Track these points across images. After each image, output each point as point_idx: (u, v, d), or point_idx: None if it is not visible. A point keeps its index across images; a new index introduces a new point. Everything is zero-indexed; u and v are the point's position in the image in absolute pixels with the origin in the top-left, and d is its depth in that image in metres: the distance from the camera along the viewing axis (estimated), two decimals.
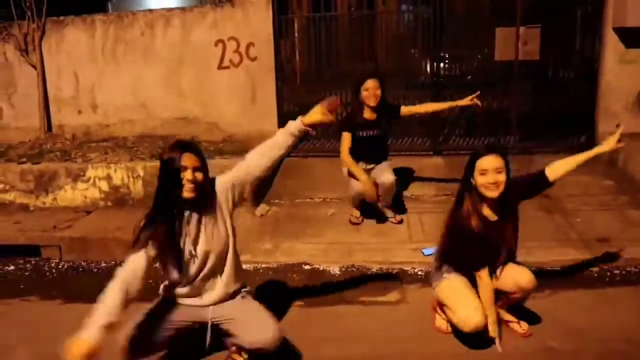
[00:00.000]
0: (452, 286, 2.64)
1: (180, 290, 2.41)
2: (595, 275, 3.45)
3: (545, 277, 3.39)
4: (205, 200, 2.30)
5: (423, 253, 3.72)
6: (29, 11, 5.91)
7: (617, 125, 5.30)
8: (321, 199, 4.75)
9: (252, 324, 2.36)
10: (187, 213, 2.30)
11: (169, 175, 2.20)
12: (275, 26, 5.58)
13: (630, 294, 3.21)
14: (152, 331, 2.34)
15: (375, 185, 4.01)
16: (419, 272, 3.56)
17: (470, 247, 2.54)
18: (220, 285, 2.42)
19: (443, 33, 5.62)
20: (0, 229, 4.37)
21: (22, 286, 3.70)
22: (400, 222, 4.22)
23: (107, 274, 3.74)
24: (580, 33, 5.64)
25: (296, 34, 5.56)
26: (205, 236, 2.33)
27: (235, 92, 5.64)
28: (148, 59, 5.74)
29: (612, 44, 5.21)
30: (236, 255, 2.47)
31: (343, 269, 3.65)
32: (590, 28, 5.45)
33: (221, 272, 2.42)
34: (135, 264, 2.23)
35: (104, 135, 5.95)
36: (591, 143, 5.46)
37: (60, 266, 4.00)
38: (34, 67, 6.03)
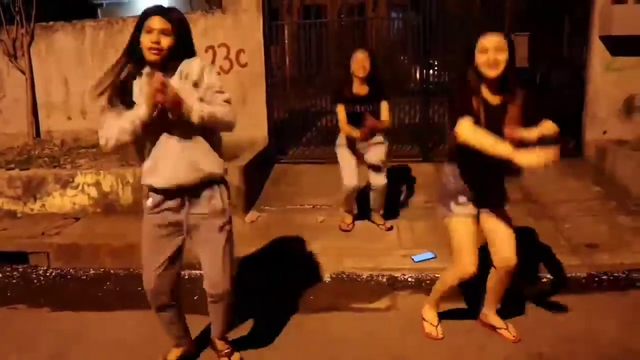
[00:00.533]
0: (458, 230, 2.59)
1: (146, 166, 2.30)
2: (584, 280, 3.48)
3: (534, 281, 3.43)
4: (174, 65, 2.23)
5: (413, 260, 3.73)
6: (18, 16, 5.89)
7: (604, 132, 5.40)
8: (311, 206, 4.75)
9: (209, 267, 2.40)
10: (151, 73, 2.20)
11: (136, 32, 2.19)
12: (266, 33, 5.59)
13: (619, 299, 3.23)
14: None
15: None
16: (409, 279, 3.57)
17: (458, 102, 2.42)
18: (182, 160, 2.25)
19: (432, 40, 5.67)
20: None
21: (9, 294, 3.65)
22: (390, 229, 4.23)
23: (96, 282, 3.76)
24: (567, 41, 5.73)
25: (286, 41, 5.59)
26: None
27: None
28: None
29: (598, 52, 5.28)
30: (209, 137, 2.31)
31: (333, 276, 3.65)
32: (577, 36, 5.52)
33: (187, 145, 2.25)
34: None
35: (94, 141, 5.89)
36: (579, 149, 5.53)
37: (48, 273, 3.96)
38: (23, 72, 6.00)
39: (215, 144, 2.36)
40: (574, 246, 3.81)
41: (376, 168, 4.14)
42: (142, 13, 2.21)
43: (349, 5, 5.29)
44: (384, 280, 3.57)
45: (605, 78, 5.31)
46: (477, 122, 2.35)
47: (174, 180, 2.26)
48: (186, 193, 2.32)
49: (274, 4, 5.87)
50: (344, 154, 4.16)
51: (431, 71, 5.89)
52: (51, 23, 5.98)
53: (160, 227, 2.37)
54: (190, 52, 2.30)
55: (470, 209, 2.59)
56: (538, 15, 5.71)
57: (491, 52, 2.33)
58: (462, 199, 2.58)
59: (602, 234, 4.01)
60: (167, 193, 2.32)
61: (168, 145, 2.25)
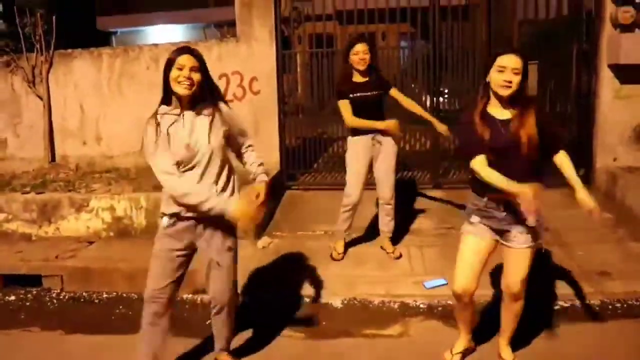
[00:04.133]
0: (462, 246, 2.66)
1: (182, 191, 2.44)
2: (597, 308, 3.46)
3: (547, 309, 3.42)
4: (204, 101, 2.47)
5: (424, 286, 3.73)
6: (38, 44, 6.05)
7: (614, 160, 5.41)
8: (323, 232, 4.77)
9: (216, 280, 2.64)
10: (186, 110, 2.46)
11: (168, 71, 2.40)
12: (279, 61, 5.70)
13: (632, 327, 3.21)
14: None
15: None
16: (421, 305, 3.56)
17: (468, 135, 2.51)
18: (216, 194, 2.50)
19: (442, 68, 5.76)
20: (2, 258, 4.37)
21: (23, 316, 3.69)
22: (399, 257, 4.22)
23: (109, 305, 3.79)
24: (576, 69, 5.77)
25: (298, 69, 5.69)
26: (198, 132, 2.44)
27: None
28: (153, 91, 5.78)
29: (607, 80, 5.33)
30: (230, 172, 2.60)
31: (345, 302, 3.66)
32: (586, 64, 5.58)
33: (217, 179, 2.51)
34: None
35: (108, 166, 6.01)
36: (589, 177, 5.54)
37: (61, 296, 3.99)
38: (41, 98, 6.14)
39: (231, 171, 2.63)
40: (586, 273, 3.80)
41: (387, 178, 4.09)
42: (169, 56, 2.41)
43: (360, 34, 5.39)
44: (396, 306, 3.57)
45: (614, 106, 5.35)
46: (483, 142, 2.45)
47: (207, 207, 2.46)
48: (203, 221, 2.54)
49: (286, 32, 6.00)
50: (353, 160, 4.07)
51: (441, 99, 5.96)
52: (69, 50, 6.14)
53: (173, 250, 2.56)
54: (212, 87, 2.52)
55: (483, 232, 2.60)
56: (546, 44, 5.79)
57: (507, 72, 2.40)
58: (475, 218, 2.61)
59: (614, 261, 3.99)
60: (186, 217, 2.52)
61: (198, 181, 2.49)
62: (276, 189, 5.54)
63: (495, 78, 2.43)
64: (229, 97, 5.74)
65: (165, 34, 17.68)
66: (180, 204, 2.47)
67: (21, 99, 6.23)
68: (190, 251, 2.62)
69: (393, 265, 4.12)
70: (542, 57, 5.74)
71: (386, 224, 4.22)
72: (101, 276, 4.09)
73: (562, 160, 2.61)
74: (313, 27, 5.94)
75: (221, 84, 5.70)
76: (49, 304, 3.90)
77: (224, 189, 2.54)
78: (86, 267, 4.17)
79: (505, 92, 2.42)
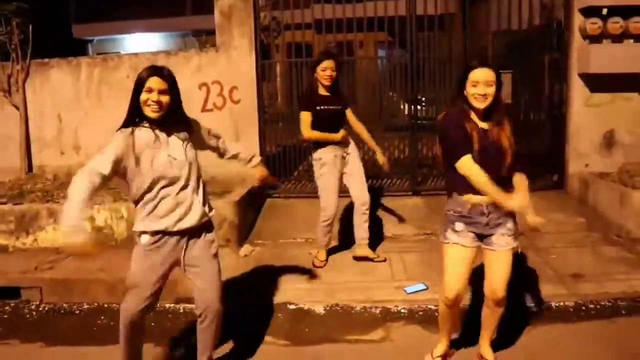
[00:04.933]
0: (449, 255, 2.70)
1: (159, 208, 2.48)
2: (571, 309, 3.57)
3: (523, 311, 3.51)
4: (173, 122, 2.51)
5: (405, 291, 3.80)
6: (14, 53, 5.99)
7: (586, 166, 5.58)
8: (304, 239, 4.81)
9: (205, 290, 2.65)
10: (156, 131, 2.48)
11: (137, 94, 2.42)
12: (258, 70, 5.75)
13: (605, 328, 3.32)
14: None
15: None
16: (402, 310, 3.63)
17: (455, 136, 2.57)
18: (197, 206, 2.56)
19: (420, 77, 5.87)
20: None
21: (1, 329, 3.63)
22: (384, 260, 4.29)
23: (89, 316, 3.76)
24: (548, 78, 5.96)
25: (278, 78, 5.74)
26: (174, 149, 2.50)
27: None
28: None
29: (578, 89, 5.50)
30: (204, 187, 2.65)
31: (327, 308, 3.70)
32: (557, 73, 5.76)
33: (197, 190, 2.57)
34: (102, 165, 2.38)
35: None
36: (562, 182, 5.70)
37: (41, 308, 3.95)
38: (17, 107, 6.07)
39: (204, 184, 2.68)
40: (560, 276, 3.92)
41: (360, 181, 4.19)
42: (139, 76, 2.44)
43: (337, 42, 5.47)
44: (378, 312, 3.63)
45: (585, 113, 5.52)
46: (472, 144, 2.53)
47: (186, 224, 2.54)
48: (188, 233, 2.58)
49: (265, 41, 6.05)
50: (324, 175, 4.14)
51: (419, 107, 6.07)
52: (47, 60, 6.09)
53: (155, 266, 2.56)
54: (179, 106, 2.55)
55: (468, 239, 2.66)
56: (520, 53, 5.95)
57: (481, 85, 2.50)
58: (459, 226, 2.65)
59: (587, 264, 4.13)
60: (167, 233, 2.54)
61: (178, 194, 2.52)
62: (257, 197, 5.57)
63: (470, 92, 2.54)
64: (209, 106, 5.77)
65: (143, 42, 17.56)
66: (168, 215, 2.49)
67: None
68: (172, 265, 2.62)
69: (374, 271, 4.18)
70: (516, 67, 5.91)
71: (364, 232, 4.28)
72: (81, 287, 4.05)
73: (521, 180, 2.67)
74: (292, 36, 6.00)
75: (201, 94, 5.74)
76: (28, 316, 3.85)
77: (204, 201, 2.61)
78: (66, 279, 4.13)
79: (481, 105, 2.53)
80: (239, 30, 5.68)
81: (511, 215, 2.63)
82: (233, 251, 4.53)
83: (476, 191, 2.58)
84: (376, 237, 4.44)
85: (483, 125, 2.59)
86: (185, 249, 2.59)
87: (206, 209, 2.63)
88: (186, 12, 16.79)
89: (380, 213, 5.15)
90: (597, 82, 5.41)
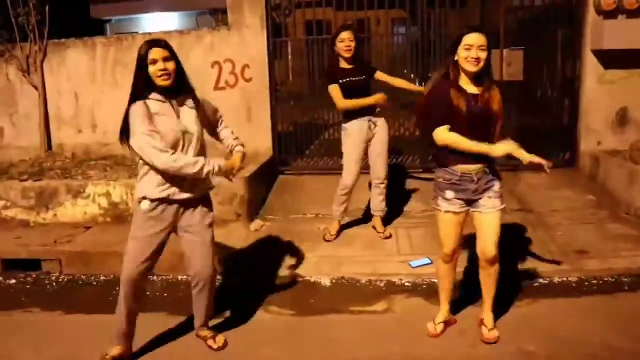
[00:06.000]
0: (441, 220, 2.86)
1: (164, 176, 2.60)
2: (574, 284, 3.61)
3: (525, 285, 3.57)
4: (182, 89, 2.63)
5: (410, 265, 3.88)
6: (32, 34, 6.12)
7: (599, 143, 5.55)
8: (314, 215, 4.91)
9: (197, 256, 2.78)
10: (168, 101, 2.60)
11: (142, 67, 2.53)
12: (270, 48, 5.79)
13: (607, 302, 3.37)
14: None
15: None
16: (406, 283, 3.72)
17: (435, 113, 2.70)
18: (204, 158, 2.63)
19: (432, 54, 5.86)
20: (2, 243, 4.50)
21: (23, 298, 3.82)
22: (389, 237, 4.37)
23: (106, 286, 3.93)
24: (561, 54, 5.89)
25: (290, 56, 5.78)
26: (184, 119, 2.62)
27: (231, 112, 5.79)
28: None
29: (591, 65, 5.43)
30: (205, 154, 2.72)
31: (333, 281, 3.81)
32: (570, 50, 5.69)
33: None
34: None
35: (103, 153, 6.11)
36: (574, 160, 5.68)
37: (60, 279, 4.13)
38: (35, 87, 6.22)
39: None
40: (564, 252, 3.95)
41: (380, 157, 4.26)
42: (139, 53, 2.54)
43: (346, 23, 5.48)
44: (382, 284, 3.72)
45: (598, 90, 5.46)
46: (459, 112, 2.62)
47: (187, 194, 2.66)
48: (188, 202, 2.71)
49: (277, 19, 6.07)
50: (349, 147, 4.22)
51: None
52: (63, 40, 6.21)
53: (153, 233, 2.68)
54: (183, 74, 2.65)
55: (457, 205, 2.79)
56: (532, 31, 5.89)
57: (474, 49, 2.59)
58: (449, 194, 2.78)
59: (592, 240, 4.15)
60: (174, 200, 2.65)
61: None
62: (269, 173, 5.67)
63: (463, 55, 2.62)
64: (221, 84, 5.84)
65: (160, 21, 17.64)
66: (172, 184, 2.61)
67: (16, 88, 6.33)
68: (170, 231, 2.75)
69: (381, 245, 4.27)
70: (528, 43, 5.85)
71: (379, 204, 4.39)
72: (98, 259, 4.22)
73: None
74: (311, 13, 5.97)
75: (213, 72, 5.81)
76: (48, 286, 4.03)
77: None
78: (84, 251, 4.30)
79: (474, 68, 2.62)
80: (251, 8, 5.71)
81: (497, 178, 2.77)
82: (244, 225, 4.65)
83: (464, 161, 2.68)
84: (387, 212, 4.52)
85: (473, 90, 2.66)
86: (182, 215, 2.72)
87: (207, 181, 2.75)
88: None
89: (391, 189, 5.20)
90: (611, 59, 5.33)
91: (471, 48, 2.60)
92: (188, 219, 2.74)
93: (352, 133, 4.21)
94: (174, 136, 2.56)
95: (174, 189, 2.63)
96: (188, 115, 2.64)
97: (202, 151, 2.70)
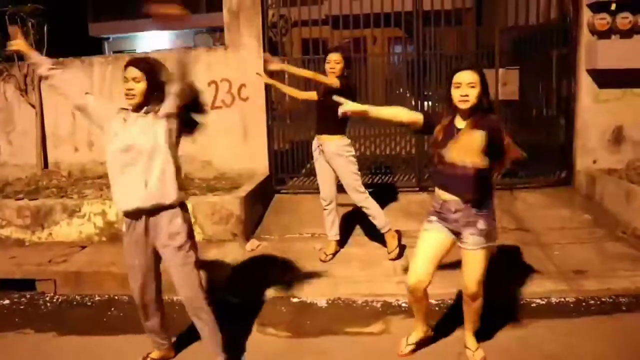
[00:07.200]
0: (420, 241, 2.84)
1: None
2: (572, 305, 3.59)
3: (522, 306, 3.55)
4: (149, 106, 2.66)
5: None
6: None
7: (594, 162, 5.57)
8: (310, 235, 4.90)
9: (176, 282, 2.74)
10: (132, 114, 2.69)
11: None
12: (267, 68, 5.81)
13: (605, 323, 3.34)
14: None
15: None
16: (403, 304, 3.69)
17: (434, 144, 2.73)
18: (142, 189, 2.60)
19: (428, 74, 5.90)
20: None
21: (17, 320, 3.78)
22: (395, 259, 4.31)
23: (101, 307, 3.89)
24: (556, 74, 5.94)
25: (286, 75, 5.79)
26: (135, 132, 2.64)
27: (228, 131, 5.83)
28: None
29: (586, 85, 5.48)
30: (171, 168, 2.67)
31: (330, 302, 3.78)
32: (565, 69, 5.74)
33: (149, 176, 2.61)
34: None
35: (100, 172, 6.10)
36: (570, 179, 5.69)
37: (55, 300, 4.09)
38: (33, 106, 6.23)
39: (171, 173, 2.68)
40: (562, 272, 3.94)
41: (344, 182, 4.27)
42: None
43: (354, 39, 5.51)
44: (378, 305, 3.70)
45: (594, 109, 5.50)
46: (437, 144, 2.67)
47: (130, 204, 2.64)
48: (145, 214, 2.65)
49: (274, 38, 6.11)
50: (315, 163, 4.42)
51: (426, 102, 6.10)
52: (61, 59, 6.22)
53: (136, 251, 2.74)
54: (160, 93, 2.68)
55: (439, 227, 2.78)
56: (527, 49, 5.94)
57: (463, 87, 2.60)
58: (433, 218, 2.81)
59: (590, 260, 4.14)
60: (131, 215, 2.68)
61: (130, 173, 2.65)
62: (266, 193, 5.66)
63: (454, 94, 2.64)
64: (217, 103, 5.86)
65: (158, 39, 17.78)
66: (123, 192, 2.66)
67: (14, 106, 6.34)
68: (153, 252, 2.74)
69: (378, 266, 4.25)
70: (524, 63, 5.90)
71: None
72: (93, 280, 4.19)
73: None
74: (308, 32, 6.01)
75: (210, 91, 5.83)
76: (42, 307, 3.99)
77: (162, 186, 2.63)
78: (79, 271, 4.27)
79: (464, 106, 2.62)
80: (247, 28, 5.76)
81: (482, 215, 2.68)
82: (240, 245, 4.63)
83: (445, 188, 2.71)
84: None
85: (461, 125, 2.67)
86: (150, 233, 2.68)
87: (165, 192, 2.63)
88: (200, 10, 16.93)
89: (387, 208, 5.20)
90: (606, 78, 5.39)
91: (460, 86, 2.61)
92: (156, 238, 2.70)
93: (314, 151, 4.40)
94: (115, 150, 2.66)
95: (125, 200, 2.64)
96: (142, 128, 2.63)
97: (158, 163, 2.63)
